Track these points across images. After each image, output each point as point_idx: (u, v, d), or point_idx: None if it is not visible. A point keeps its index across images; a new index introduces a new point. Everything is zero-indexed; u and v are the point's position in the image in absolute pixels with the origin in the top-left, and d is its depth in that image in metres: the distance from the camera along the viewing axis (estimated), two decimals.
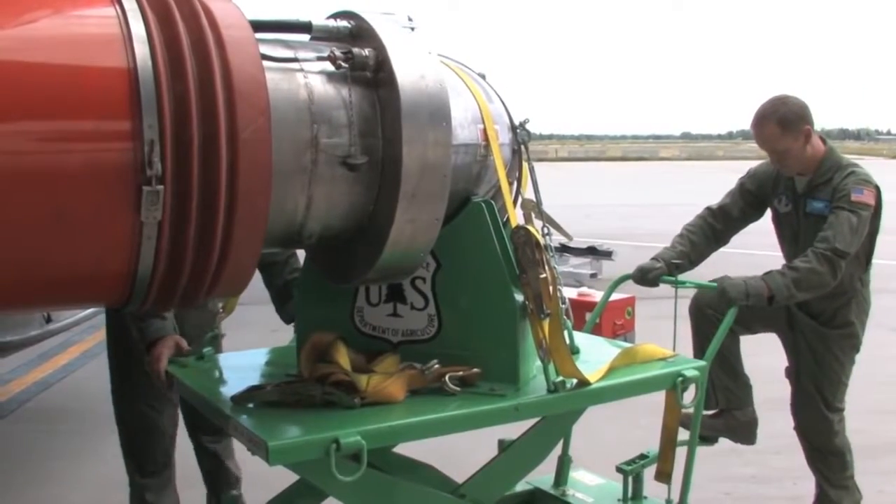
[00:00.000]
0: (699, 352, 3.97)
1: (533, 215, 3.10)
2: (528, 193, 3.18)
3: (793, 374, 4.09)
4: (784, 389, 4.15)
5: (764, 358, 4.33)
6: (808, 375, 3.99)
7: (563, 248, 10.98)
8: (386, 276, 2.76)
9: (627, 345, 3.40)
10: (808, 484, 4.20)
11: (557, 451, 3.61)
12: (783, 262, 3.89)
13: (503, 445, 3.29)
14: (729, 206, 4.11)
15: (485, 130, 2.89)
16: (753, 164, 4.27)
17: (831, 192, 3.73)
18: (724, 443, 3.96)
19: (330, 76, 2.50)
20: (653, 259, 3.87)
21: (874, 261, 3.96)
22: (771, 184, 4.02)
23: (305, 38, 2.65)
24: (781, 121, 3.74)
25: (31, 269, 2.06)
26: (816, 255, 3.57)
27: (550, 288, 2.65)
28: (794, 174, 3.88)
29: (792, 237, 3.94)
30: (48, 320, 5.32)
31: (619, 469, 3.46)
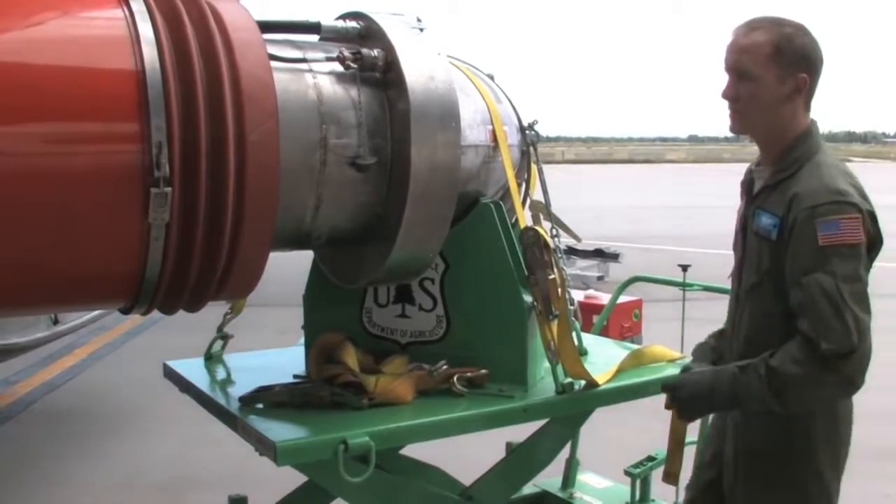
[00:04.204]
0: None
1: (541, 216, 3.10)
2: (537, 195, 3.17)
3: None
4: None
5: None
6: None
7: (570, 251, 10.96)
8: (394, 277, 2.76)
9: (635, 346, 3.39)
10: None
11: (565, 453, 3.60)
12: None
13: (511, 447, 3.29)
14: None
15: (493, 131, 2.89)
16: None
17: (786, 205, 2.31)
18: None
19: (339, 77, 2.50)
20: None
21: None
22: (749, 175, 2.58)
23: (314, 38, 2.65)
24: (779, 43, 2.34)
25: (39, 271, 2.07)
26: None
27: (559, 289, 2.64)
28: (748, 137, 2.53)
29: (736, 266, 2.55)
30: (55, 322, 5.34)
31: (626, 472, 3.44)
